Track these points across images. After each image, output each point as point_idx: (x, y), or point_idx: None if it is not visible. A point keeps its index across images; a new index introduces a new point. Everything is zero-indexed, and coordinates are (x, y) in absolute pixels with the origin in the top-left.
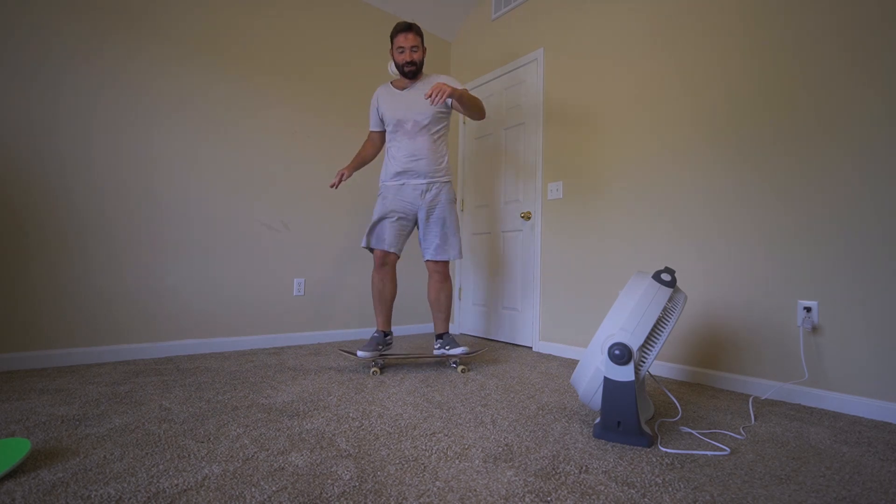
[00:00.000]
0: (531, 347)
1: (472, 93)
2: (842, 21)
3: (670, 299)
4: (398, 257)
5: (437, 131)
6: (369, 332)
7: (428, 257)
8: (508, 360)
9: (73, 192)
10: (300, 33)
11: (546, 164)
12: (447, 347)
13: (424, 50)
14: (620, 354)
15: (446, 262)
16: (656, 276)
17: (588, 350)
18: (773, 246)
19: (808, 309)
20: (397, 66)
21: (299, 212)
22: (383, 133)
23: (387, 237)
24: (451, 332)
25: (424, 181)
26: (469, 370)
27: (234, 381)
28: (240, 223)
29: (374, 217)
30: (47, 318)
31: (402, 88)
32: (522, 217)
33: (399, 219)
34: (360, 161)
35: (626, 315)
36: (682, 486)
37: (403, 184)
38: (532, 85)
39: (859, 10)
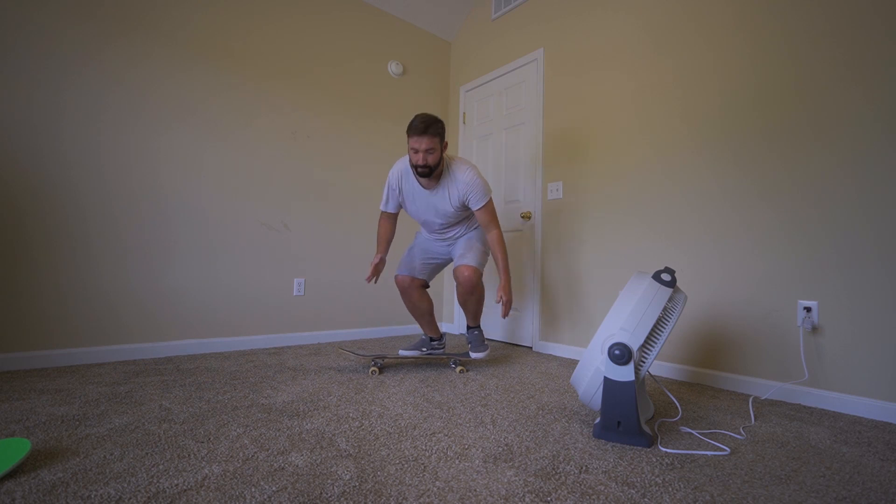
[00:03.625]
0: (531, 347)
1: (472, 92)
2: (835, 26)
3: (670, 299)
4: (424, 283)
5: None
6: (369, 332)
7: (454, 264)
8: (508, 360)
9: (76, 193)
10: (300, 36)
11: (546, 164)
12: (469, 346)
13: (445, 145)
14: (620, 354)
15: (473, 267)
16: (656, 276)
17: (588, 350)
18: (772, 247)
19: (808, 309)
20: (411, 164)
21: (299, 212)
22: (397, 213)
23: (416, 265)
24: (450, 332)
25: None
26: (468, 370)
27: (234, 381)
28: (240, 223)
29: (407, 249)
30: (48, 317)
31: (427, 187)
32: (522, 217)
33: (429, 252)
34: (387, 242)
35: (626, 315)
36: (682, 486)
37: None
38: (532, 85)
39: (852, 16)
